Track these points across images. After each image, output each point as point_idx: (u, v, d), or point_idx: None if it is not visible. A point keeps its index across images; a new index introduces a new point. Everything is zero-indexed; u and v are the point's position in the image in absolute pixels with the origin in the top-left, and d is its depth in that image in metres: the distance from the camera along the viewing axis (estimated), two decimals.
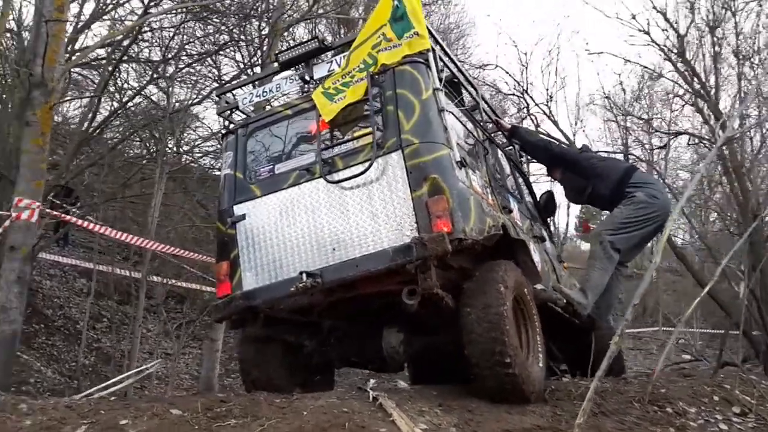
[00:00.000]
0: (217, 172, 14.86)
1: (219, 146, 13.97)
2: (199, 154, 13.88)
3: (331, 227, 4.70)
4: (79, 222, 8.68)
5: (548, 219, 7.23)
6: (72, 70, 9.88)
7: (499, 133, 6.80)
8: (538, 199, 6.92)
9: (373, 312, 5.14)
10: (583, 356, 5.94)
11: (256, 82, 6.17)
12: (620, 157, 11.76)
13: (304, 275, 4.54)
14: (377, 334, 5.21)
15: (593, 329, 6.20)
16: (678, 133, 11.63)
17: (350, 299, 4.80)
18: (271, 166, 5.17)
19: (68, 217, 8.32)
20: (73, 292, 15.10)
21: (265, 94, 5.76)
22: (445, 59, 5.40)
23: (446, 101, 4.98)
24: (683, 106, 11.92)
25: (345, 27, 15.76)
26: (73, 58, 9.12)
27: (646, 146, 13.52)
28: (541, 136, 7.62)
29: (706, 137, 11.07)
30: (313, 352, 5.44)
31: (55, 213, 8.18)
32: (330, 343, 5.51)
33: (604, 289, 5.87)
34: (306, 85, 5.55)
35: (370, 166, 4.62)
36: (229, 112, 5.79)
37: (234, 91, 6.22)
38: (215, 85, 12.53)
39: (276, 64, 5.75)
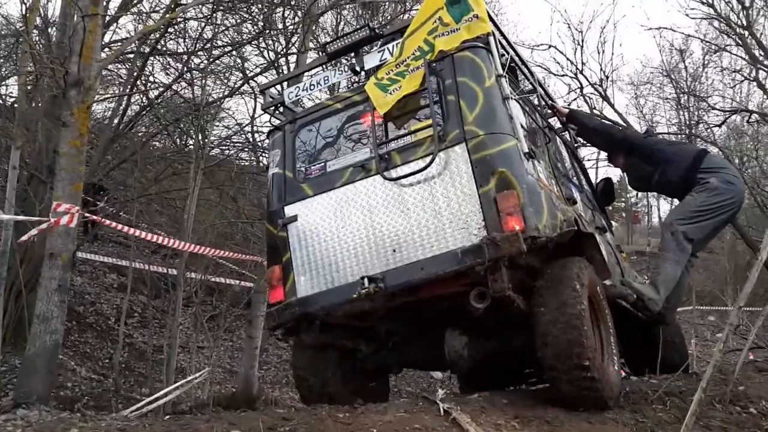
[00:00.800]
0: (244, 163, 14.73)
1: (248, 140, 13.70)
2: (229, 149, 13.49)
3: (390, 227, 4.41)
4: (114, 224, 8.32)
5: (606, 208, 6.82)
6: None
7: (555, 118, 6.43)
8: (595, 187, 6.57)
9: (433, 315, 4.85)
10: (646, 353, 5.70)
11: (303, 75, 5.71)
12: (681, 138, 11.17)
13: (365, 280, 4.29)
14: (439, 337, 4.91)
15: (659, 324, 5.91)
16: (737, 110, 10.99)
17: (411, 303, 4.52)
18: (323, 164, 4.89)
19: (106, 221, 7.94)
20: (104, 287, 14.95)
21: (312, 87, 5.43)
22: (503, 42, 5.04)
23: (509, 88, 4.65)
24: (742, 81, 11.30)
25: (369, 11, 15.17)
26: (103, 54, 8.70)
27: (702, 125, 12.88)
28: (602, 120, 7.00)
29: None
30: (368, 358, 5.21)
31: (93, 216, 7.81)
32: (387, 348, 5.27)
33: (678, 285, 5.54)
34: (356, 77, 5.29)
35: (432, 161, 4.30)
36: (274, 107, 5.51)
37: (279, 85, 5.85)
38: (241, 77, 12.16)
39: (323, 55, 5.42)
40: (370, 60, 5.09)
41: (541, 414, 4.13)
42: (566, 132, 6.49)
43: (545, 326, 4.11)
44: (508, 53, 5.02)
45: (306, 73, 5.92)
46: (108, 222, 8.03)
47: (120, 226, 8.71)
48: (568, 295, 4.11)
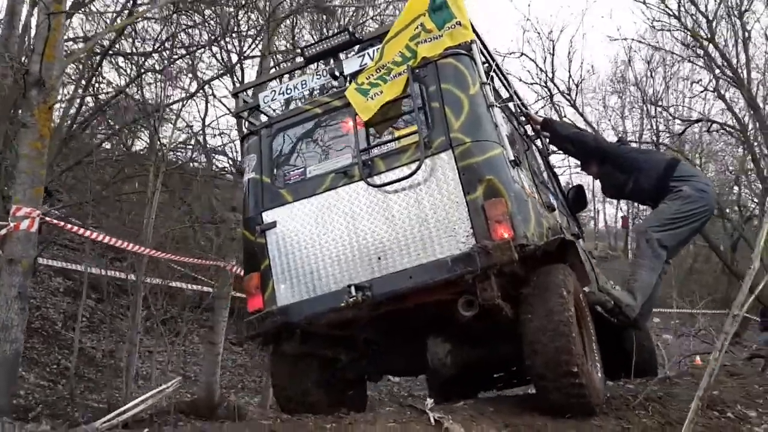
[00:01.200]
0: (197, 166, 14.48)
1: (199, 142, 13.47)
2: (183, 153, 13.22)
3: (374, 234, 4.34)
4: (73, 228, 8.03)
5: (577, 215, 6.90)
6: None
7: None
8: (566, 194, 6.62)
9: (415, 322, 4.80)
10: (617, 358, 5.67)
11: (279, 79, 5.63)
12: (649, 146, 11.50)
13: (353, 288, 4.20)
14: (420, 344, 4.86)
15: (632, 329, 5.96)
16: (698, 120, 11.43)
17: (394, 311, 4.45)
18: (302, 169, 4.78)
19: (69, 225, 7.67)
20: (49, 291, 14.36)
21: (289, 91, 5.30)
22: (483, 49, 5.02)
23: (492, 95, 4.66)
24: (702, 92, 11.74)
25: (325, 15, 15.08)
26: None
27: (663, 133, 13.33)
28: (575, 128, 7.15)
29: (729, 125, 10.93)
30: (348, 366, 5.14)
31: (54, 221, 7.52)
32: (367, 357, 5.20)
33: (652, 291, 5.63)
34: (335, 81, 5.17)
35: (419, 167, 4.25)
36: (247, 112, 5.39)
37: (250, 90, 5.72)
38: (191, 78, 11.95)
39: (300, 59, 5.33)
40: (350, 65, 5.03)
41: (529, 422, 4.13)
42: (539, 139, 6.52)
43: (533, 334, 4.08)
44: (487, 60, 5.02)
45: (283, 77, 5.82)
46: (69, 226, 7.74)
47: (75, 229, 8.42)
48: (555, 302, 4.10)
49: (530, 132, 6.23)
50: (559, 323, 4.03)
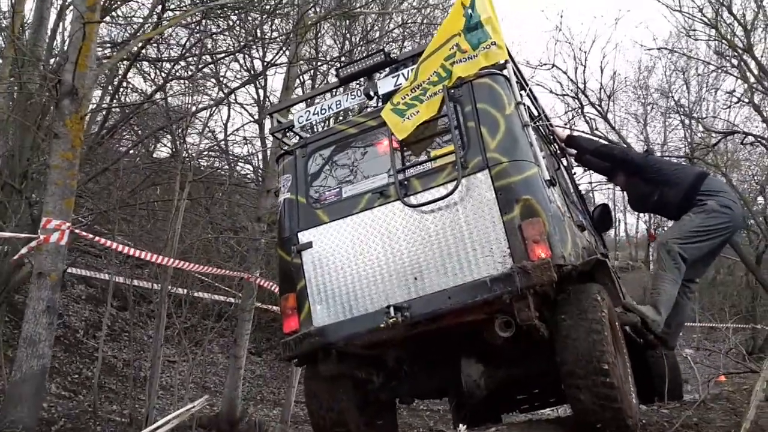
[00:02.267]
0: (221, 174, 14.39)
1: (222, 150, 13.39)
2: (207, 161, 13.13)
3: (411, 255, 4.33)
4: (103, 241, 7.88)
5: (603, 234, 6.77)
6: None
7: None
8: (591, 213, 6.50)
9: (446, 343, 4.79)
10: (643, 381, 5.45)
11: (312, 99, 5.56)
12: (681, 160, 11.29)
13: (392, 309, 4.18)
14: (451, 366, 4.82)
15: (660, 349, 5.88)
16: (732, 132, 11.18)
17: (428, 332, 4.42)
18: (338, 189, 4.78)
19: (98, 238, 7.52)
20: (72, 299, 14.28)
21: (323, 111, 5.30)
22: (515, 68, 4.99)
23: (527, 115, 4.65)
24: (737, 103, 11.47)
25: (347, 21, 14.92)
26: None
27: (697, 146, 13.09)
28: (601, 141, 6.98)
29: (761, 136, 10.68)
30: (380, 388, 5.06)
31: (83, 233, 7.37)
32: (399, 378, 5.13)
33: (677, 308, 5.53)
34: (369, 101, 5.21)
35: (456, 187, 4.26)
36: (282, 132, 5.40)
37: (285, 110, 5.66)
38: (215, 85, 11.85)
39: (335, 80, 5.34)
40: (384, 85, 5.02)
41: None
42: (564, 157, 6.41)
43: (571, 354, 4.03)
44: (519, 80, 4.95)
45: (317, 97, 5.74)
46: (97, 238, 7.59)
47: (103, 240, 8.28)
48: (593, 321, 4.06)
49: (557, 150, 6.17)
50: (599, 354, 3.97)
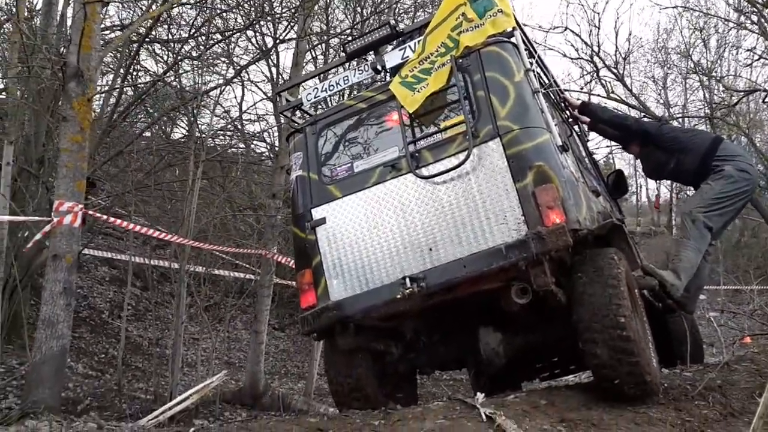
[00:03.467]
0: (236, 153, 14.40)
1: (237, 128, 13.37)
2: (222, 139, 13.12)
3: (425, 226, 4.36)
4: (114, 220, 7.92)
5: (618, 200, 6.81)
6: None
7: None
8: (606, 180, 6.51)
9: (462, 313, 4.82)
10: (664, 345, 5.55)
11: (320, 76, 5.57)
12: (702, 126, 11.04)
13: (407, 280, 4.23)
14: (469, 335, 4.91)
15: (679, 313, 5.88)
16: (753, 90, 10.90)
17: (445, 301, 4.47)
18: (349, 165, 4.80)
19: (109, 218, 7.54)
20: (96, 280, 14.51)
21: (331, 88, 5.30)
22: (523, 36, 4.96)
23: (537, 82, 4.64)
24: (758, 59, 11.14)
25: None
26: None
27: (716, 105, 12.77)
28: (615, 111, 6.91)
29: None
30: (399, 360, 5.12)
31: (97, 215, 7.41)
32: (417, 349, 5.19)
33: (696, 271, 5.50)
34: (377, 75, 5.16)
35: (467, 157, 4.26)
36: (291, 110, 5.49)
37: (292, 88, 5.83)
38: (228, 64, 11.81)
39: (342, 55, 5.41)
40: (392, 58, 5.01)
41: (586, 416, 4.00)
42: (577, 125, 6.36)
43: (590, 316, 4.06)
44: (527, 47, 4.92)
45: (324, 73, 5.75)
46: (112, 219, 7.63)
47: (119, 222, 8.33)
48: (611, 284, 4.09)
49: (569, 117, 6.13)
50: (615, 307, 4.00)
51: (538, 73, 4.91)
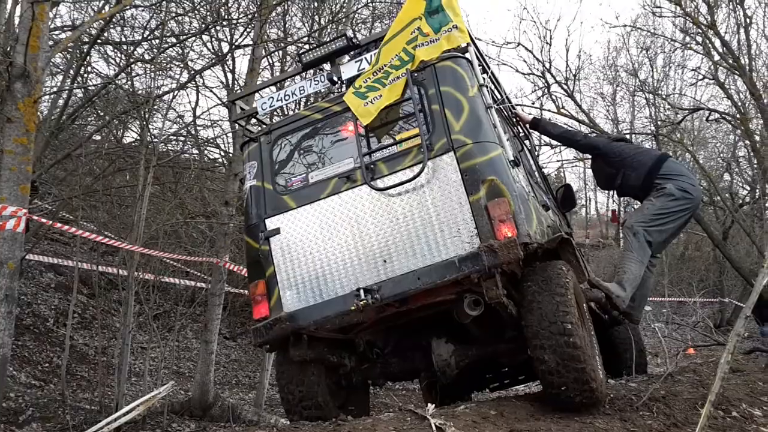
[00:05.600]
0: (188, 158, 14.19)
1: (190, 133, 13.19)
2: (174, 144, 12.91)
3: (379, 238, 4.40)
4: (66, 227, 7.71)
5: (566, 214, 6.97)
6: None
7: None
8: (555, 193, 6.69)
9: (417, 326, 4.93)
10: (608, 356, 5.68)
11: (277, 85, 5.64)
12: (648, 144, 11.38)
13: (362, 292, 4.25)
14: (420, 347, 5.01)
15: (625, 325, 6.17)
16: (697, 109, 11.27)
17: (398, 313, 4.55)
18: (304, 175, 4.82)
19: (59, 224, 7.34)
20: (41, 287, 14.03)
21: (286, 98, 5.33)
22: (476, 51, 5.06)
23: (490, 97, 4.74)
24: (701, 79, 11.53)
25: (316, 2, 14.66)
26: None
27: (660, 122, 13.16)
28: (565, 126, 7.10)
29: (729, 113, 10.75)
30: (352, 371, 5.15)
31: (42, 219, 7.18)
32: (371, 361, 5.25)
33: (641, 281, 5.68)
34: (333, 86, 5.28)
35: (422, 170, 4.31)
36: (245, 119, 5.53)
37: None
38: (182, 68, 11.64)
39: (297, 64, 5.49)
40: (348, 70, 5.07)
41: (534, 427, 4.04)
42: (527, 139, 6.54)
43: (538, 327, 4.15)
44: (480, 62, 5.00)
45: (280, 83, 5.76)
46: (59, 225, 7.41)
47: (66, 227, 8.10)
48: (559, 295, 4.20)
49: (521, 132, 6.25)
50: (563, 314, 4.11)
51: (491, 88, 4.99)
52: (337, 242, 4.47)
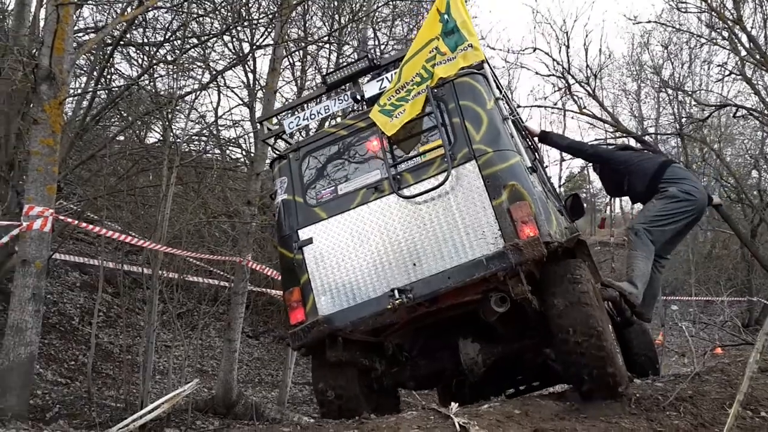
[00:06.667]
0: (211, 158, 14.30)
1: (212, 134, 13.30)
2: (197, 145, 13.01)
3: (408, 242, 4.70)
4: (90, 227, 7.81)
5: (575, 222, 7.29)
6: None
7: None
8: (564, 202, 6.98)
9: (444, 327, 5.21)
10: (624, 356, 5.83)
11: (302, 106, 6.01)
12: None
13: (396, 291, 4.54)
14: (448, 348, 5.26)
15: (636, 322, 6.39)
16: (724, 105, 11.14)
17: (428, 313, 4.83)
18: (333, 188, 5.15)
19: (84, 224, 7.44)
20: (66, 286, 14.25)
21: (313, 116, 5.70)
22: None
23: (506, 110, 5.14)
24: (728, 74, 11.36)
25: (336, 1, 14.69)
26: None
27: (685, 119, 13.01)
28: (572, 138, 7.55)
29: (756, 109, 10.59)
30: (383, 375, 5.44)
31: (68, 219, 7.27)
32: (400, 364, 5.53)
33: (650, 281, 5.89)
34: (356, 105, 5.58)
35: (447, 177, 4.64)
36: (274, 138, 5.89)
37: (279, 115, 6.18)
38: (204, 68, 11.75)
39: (322, 85, 5.80)
40: (370, 89, 5.41)
41: (559, 426, 4.09)
42: (537, 152, 6.80)
43: (563, 318, 4.44)
44: (494, 79, 5.35)
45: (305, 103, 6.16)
46: (84, 224, 7.51)
47: (91, 227, 8.20)
48: (581, 287, 4.51)
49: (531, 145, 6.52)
50: (586, 306, 4.39)
51: (505, 102, 5.31)
52: (368, 248, 4.76)
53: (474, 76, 5.01)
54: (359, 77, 5.54)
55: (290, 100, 14.74)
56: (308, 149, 5.34)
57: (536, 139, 6.59)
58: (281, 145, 6.29)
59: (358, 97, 5.45)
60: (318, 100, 6.14)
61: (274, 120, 6.19)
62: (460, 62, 4.98)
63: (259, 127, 5.79)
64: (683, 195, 5.87)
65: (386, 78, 5.37)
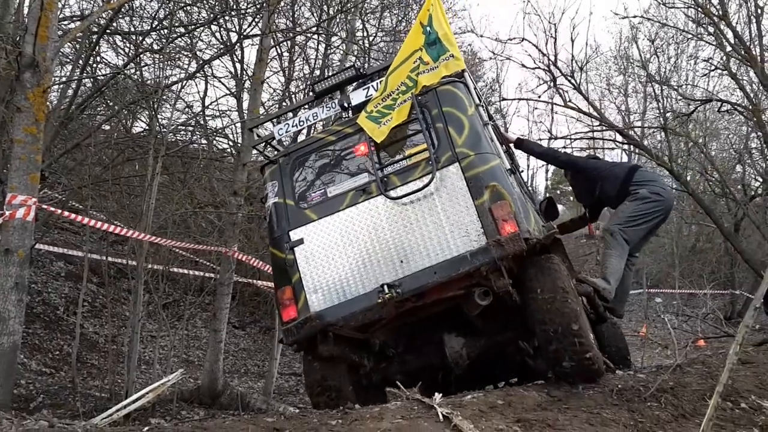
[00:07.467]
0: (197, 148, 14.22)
1: (199, 123, 13.22)
2: (183, 134, 12.95)
3: (396, 241, 4.93)
4: (73, 216, 7.75)
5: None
6: None
7: None
8: (540, 206, 7.25)
9: (428, 323, 5.43)
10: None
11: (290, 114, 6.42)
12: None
13: (385, 287, 4.75)
14: (435, 342, 5.47)
15: (608, 318, 6.59)
16: (708, 100, 11.23)
17: (415, 308, 5.01)
18: (323, 190, 5.36)
19: (67, 213, 7.38)
20: (51, 276, 14.15)
21: (302, 123, 5.98)
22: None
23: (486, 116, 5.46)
24: (713, 69, 11.44)
25: None
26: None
27: (669, 113, 13.06)
28: (546, 146, 7.68)
29: (740, 104, 10.68)
30: (371, 372, 5.65)
31: (52, 209, 7.22)
32: (388, 359, 5.75)
33: (621, 279, 6.20)
34: (344, 112, 5.82)
35: (432, 179, 4.88)
36: (264, 144, 6.05)
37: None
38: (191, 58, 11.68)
39: (311, 93, 6.06)
40: (357, 97, 5.70)
41: (541, 416, 4.17)
42: (512, 158, 7.04)
43: (543, 306, 4.70)
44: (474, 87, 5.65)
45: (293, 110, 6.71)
46: (68, 214, 7.45)
47: (75, 216, 8.14)
48: (559, 278, 4.79)
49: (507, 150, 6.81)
50: (564, 294, 4.67)
51: (484, 109, 5.59)
52: (357, 247, 4.99)
53: (456, 84, 5.28)
54: (346, 86, 5.78)
55: (277, 92, 14.71)
56: (298, 154, 5.56)
57: (512, 145, 6.84)
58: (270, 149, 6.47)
59: (345, 105, 5.72)
60: (307, 107, 6.36)
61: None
62: (443, 71, 5.26)
63: (254, 145, 5.99)
64: (653, 196, 6.21)
65: (372, 86, 5.66)
